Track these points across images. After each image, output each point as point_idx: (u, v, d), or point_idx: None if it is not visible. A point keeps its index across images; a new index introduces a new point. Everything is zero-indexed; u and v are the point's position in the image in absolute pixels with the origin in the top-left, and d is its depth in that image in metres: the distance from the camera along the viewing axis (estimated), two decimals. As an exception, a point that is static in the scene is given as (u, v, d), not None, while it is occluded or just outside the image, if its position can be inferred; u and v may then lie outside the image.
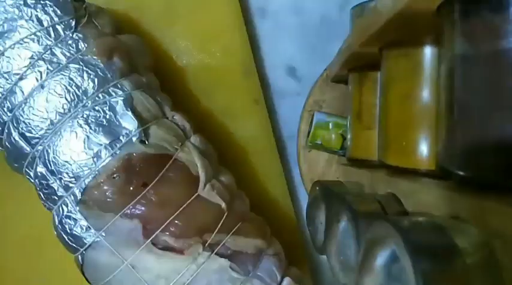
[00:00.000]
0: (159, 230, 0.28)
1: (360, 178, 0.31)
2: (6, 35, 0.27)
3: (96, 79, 0.28)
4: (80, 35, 0.29)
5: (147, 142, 0.28)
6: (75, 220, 0.28)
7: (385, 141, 0.26)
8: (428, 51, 0.23)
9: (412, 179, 0.23)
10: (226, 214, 0.30)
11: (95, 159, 0.27)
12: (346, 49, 0.29)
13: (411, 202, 0.22)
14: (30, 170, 0.29)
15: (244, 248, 0.30)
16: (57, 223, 0.29)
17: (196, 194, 0.29)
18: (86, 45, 0.29)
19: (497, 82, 0.15)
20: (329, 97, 0.40)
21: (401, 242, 0.15)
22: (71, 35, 0.28)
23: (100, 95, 0.28)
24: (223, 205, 0.30)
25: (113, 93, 0.29)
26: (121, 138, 0.28)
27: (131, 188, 0.28)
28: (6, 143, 0.29)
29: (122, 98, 0.28)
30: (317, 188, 0.32)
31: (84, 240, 0.28)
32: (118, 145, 0.28)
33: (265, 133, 0.40)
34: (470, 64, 0.17)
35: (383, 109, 0.26)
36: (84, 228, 0.28)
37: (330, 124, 0.38)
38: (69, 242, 0.29)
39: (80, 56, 0.28)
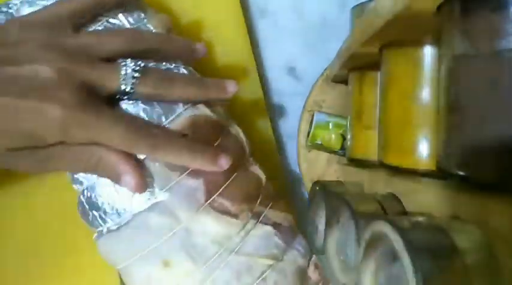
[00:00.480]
0: (219, 191, 0.28)
1: (360, 178, 0.31)
2: None
3: None
4: (141, 9, 0.31)
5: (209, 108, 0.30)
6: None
7: (385, 141, 0.26)
8: (428, 51, 0.23)
9: (412, 179, 0.23)
10: (264, 188, 0.32)
11: (163, 118, 0.28)
12: (346, 49, 0.29)
13: (411, 202, 0.22)
14: None
15: (282, 221, 0.32)
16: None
17: (244, 164, 0.31)
18: (147, 17, 0.30)
19: (497, 82, 0.15)
20: (329, 97, 0.40)
21: (401, 242, 0.15)
22: (134, 6, 0.30)
23: (163, 62, 0.30)
24: (264, 177, 0.32)
25: (173, 62, 0.30)
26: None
27: None
28: None
29: (183, 66, 0.30)
30: (317, 188, 0.32)
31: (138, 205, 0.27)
32: (184, 107, 0.28)
33: (265, 133, 0.40)
34: (470, 64, 0.17)
35: (383, 109, 0.26)
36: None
37: (330, 124, 0.38)
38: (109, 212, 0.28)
39: (142, 25, 0.30)
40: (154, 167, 0.27)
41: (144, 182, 0.26)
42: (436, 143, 0.20)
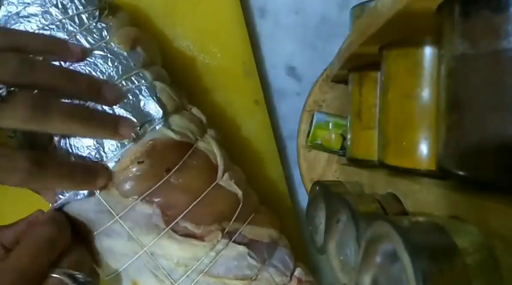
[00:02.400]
0: (181, 216, 0.28)
1: (360, 178, 0.31)
2: (29, 19, 0.28)
3: (120, 67, 0.29)
4: (104, 25, 0.29)
5: (171, 129, 0.29)
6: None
7: (385, 140, 0.26)
8: (428, 51, 0.23)
9: (412, 179, 0.23)
10: (242, 203, 0.31)
11: (119, 144, 0.27)
12: (346, 49, 0.29)
13: (411, 202, 0.22)
14: None
15: (260, 237, 0.31)
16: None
17: (216, 182, 0.30)
18: (109, 34, 0.29)
19: (497, 82, 0.15)
20: (329, 97, 0.40)
21: (401, 242, 0.15)
22: (94, 24, 0.29)
23: (123, 82, 0.29)
24: (240, 194, 0.31)
25: (136, 81, 0.29)
26: (146, 124, 0.28)
27: (155, 173, 0.28)
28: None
29: (146, 86, 0.29)
30: (317, 188, 0.32)
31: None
32: (142, 131, 0.28)
33: (265, 133, 0.40)
34: (470, 64, 0.17)
35: (383, 109, 0.26)
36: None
37: (330, 124, 0.38)
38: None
39: (103, 44, 0.29)
40: (108, 196, 0.27)
41: None
42: (436, 143, 0.20)
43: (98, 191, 0.28)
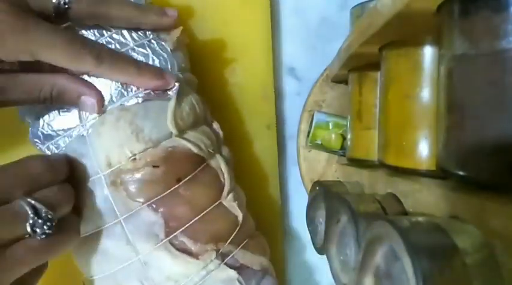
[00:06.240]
0: (181, 229, 0.28)
1: (360, 178, 0.31)
2: None
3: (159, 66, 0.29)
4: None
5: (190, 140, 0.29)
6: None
7: (385, 141, 0.26)
8: (428, 51, 0.23)
9: (412, 179, 0.23)
10: (239, 226, 0.30)
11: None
12: (346, 49, 0.29)
13: (411, 202, 0.22)
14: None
15: (251, 264, 0.30)
16: None
17: (219, 201, 0.29)
18: (154, 32, 0.29)
19: (497, 82, 0.15)
20: (329, 97, 0.40)
21: (401, 242, 0.15)
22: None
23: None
24: (241, 216, 0.30)
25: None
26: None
27: (166, 180, 0.27)
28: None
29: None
30: (317, 188, 0.32)
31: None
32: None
33: (270, 158, 0.40)
34: (470, 64, 0.17)
35: (383, 109, 0.26)
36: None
37: (330, 124, 0.38)
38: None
39: (146, 41, 0.29)
40: (117, 192, 0.27)
41: (103, 101, 0.27)
42: (436, 143, 0.20)
43: (108, 190, 0.27)
